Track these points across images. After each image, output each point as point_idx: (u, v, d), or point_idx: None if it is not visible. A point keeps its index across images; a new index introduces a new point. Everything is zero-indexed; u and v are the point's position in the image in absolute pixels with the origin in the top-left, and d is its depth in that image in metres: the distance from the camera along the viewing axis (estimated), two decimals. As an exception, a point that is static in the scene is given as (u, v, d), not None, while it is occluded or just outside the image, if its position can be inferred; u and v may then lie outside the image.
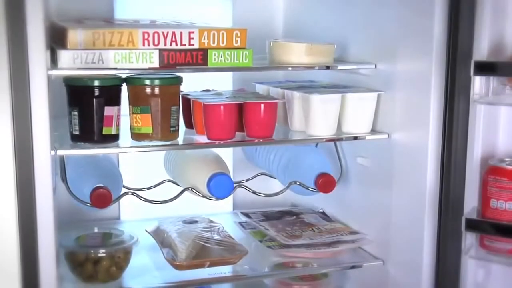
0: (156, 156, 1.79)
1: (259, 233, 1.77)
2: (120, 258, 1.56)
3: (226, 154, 1.83)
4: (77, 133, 1.45)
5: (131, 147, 1.49)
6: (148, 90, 1.47)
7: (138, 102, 1.47)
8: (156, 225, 1.72)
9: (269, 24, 2.00)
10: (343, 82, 1.75)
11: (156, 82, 1.47)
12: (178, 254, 1.54)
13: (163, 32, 1.43)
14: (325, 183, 1.64)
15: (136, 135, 1.49)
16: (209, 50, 1.46)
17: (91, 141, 1.45)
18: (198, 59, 1.46)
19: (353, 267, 1.70)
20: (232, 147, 1.90)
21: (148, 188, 1.74)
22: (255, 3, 2.00)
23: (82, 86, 1.44)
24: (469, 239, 1.49)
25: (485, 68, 1.41)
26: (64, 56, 1.37)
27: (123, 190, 1.61)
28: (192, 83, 1.64)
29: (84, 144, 1.45)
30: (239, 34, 1.48)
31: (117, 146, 1.49)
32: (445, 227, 1.46)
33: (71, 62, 1.37)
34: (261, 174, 1.88)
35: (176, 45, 1.44)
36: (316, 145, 1.83)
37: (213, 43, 1.46)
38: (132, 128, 1.50)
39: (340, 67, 1.65)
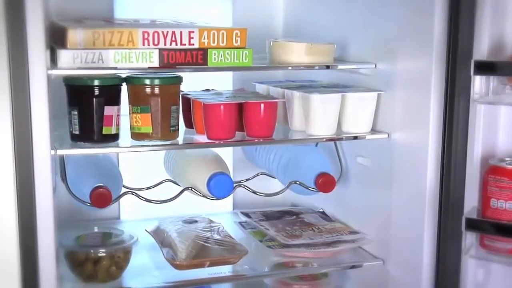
0: (156, 155, 1.78)
1: (259, 233, 1.77)
2: (120, 257, 1.56)
3: (226, 153, 1.83)
4: (77, 132, 1.45)
5: (131, 146, 1.49)
6: (148, 90, 1.47)
7: (138, 101, 1.47)
8: (156, 225, 1.72)
9: (269, 23, 2.00)
10: (343, 81, 1.75)
11: (156, 81, 1.47)
12: (178, 254, 1.54)
13: (163, 32, 1.43)
14: (325, 182, 1.64)
15: (136, 135, 1.49)
16: (209, 50, 1.46)
17: (91, 140, 1.45)
18: (198, 59, 1.46)
19: (353, 266, 1.70)
20: (232, 146, 1.90)
21: (148, 188, 1.74)
22: (255, 3, 2.00)
23: (82, 85, 1.44)
24: (469, 239, 1.49)
25: (485, 68, 1.41)
26: (64, 56, 1.37)
27: (123, 190, 1.61)
28: (192, 82, 1.64)
29: (84, 144, 1.45)
30: (239, 34, 1.48)
31: (117, 146, 1.49)
32: (445, 227, 1.46)
33: (71, 62, 1.37)
34: (261, 174, 1.88)
35: (176, 44, 1.44)
36: (316, 145, 1.83)
37: (213, 42, 1.46)
38: (132, 128, 1.50)
39: (340, 67, 1.65)
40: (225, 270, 1.59)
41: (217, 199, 1.54)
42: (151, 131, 1.48)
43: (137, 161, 1.84)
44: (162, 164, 1.79)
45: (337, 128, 1.62)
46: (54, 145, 1.37)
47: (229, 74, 1.94)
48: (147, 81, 1.47)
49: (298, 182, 1.67)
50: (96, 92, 1.44)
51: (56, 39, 1.45)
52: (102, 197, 1.45)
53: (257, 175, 1.89)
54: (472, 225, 1.46)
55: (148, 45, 1.42)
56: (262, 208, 1.94)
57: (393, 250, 1.62)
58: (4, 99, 1.23)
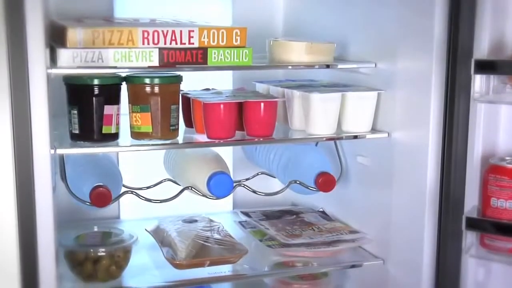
0: (156, 155, 1.78)
1: (259, 232, 1.77)
2: (119, 257, 1.56)
3: (226, 153, 1.83)
4: (77, 132, 1.45)
5: (130, 146, 1.49)
6: (147, 89, 1.47)
7: (138, 101, 1.47)
8: (156, 224, 1.72)
9: (269, 22, 2.00)
10: (343, 81, 1.75)
11: (156, 81, 1.46)
12: (178, 253, 1.54)
13: (162, 31, 1.42)
14: (325, 182, 1.64)
15: (136, 134, 1.49)
16: (209, 49, 1.46)
17: (90, 140, 1.45)
18: (198, 58, 1.46)
19: (353, 266, 1.70)
20: (232, 146, 1.89)
21: (148, 187, 1.74)
22: (255, 2, 2.00)
23: (81, 85, 1.44)
24: (469, 238, 1.49)
25: (485, 67, 1.41)
26: (64, 55, 1.37)
27: (123, 189, 1.61)
28: (192, 82, 1.63)
29: (83, 143, 1.45)
30: (239, 33, 1.48)
31: (117, 145, 1.49)
32: (445, 226, 1.46)
33: (70, 61, 1.37)
34: (261, 173, 1.88)
35: (176, 44, 1.44)
36: (316, 144, 1.83)
37: (213, 42, 1.46)
38: (131, 127, 1.50)
39: (340, 66, 1.65)
40: (225, 269, 1.59)
41: (217, 198, 1.54)
42: (151, 130, 1.48)
43: (137, 161, 1.84)
44: (162, 163, 1.79)
45: (337, 128, 1.62)
46: (53, 144, 1.36)
47: (229, 73, 1.94)
48: (147, 80, 1.46)
49: (298, 182, 1.67)
50: (96, 91, 1.44)
51: (56, 38, 1.44)
52: (102, 197, 1.45)
53: (257, 174, 1.88)
54: (473, 224, 1.46)
55: (148, 44, 1.42)
56: (262, 208, 1.94)
57: (393, 249, 1.61)
58: (3, 99, 1.23)
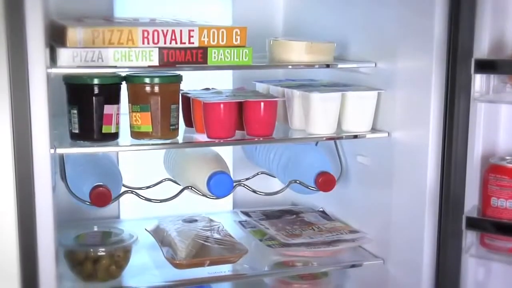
0: (156, 154, 1.78)
1: (259, 232, 1.77)
2: (119, 257, 1.56)
3: (226, 152, 1.83)
4: (77, 131, 1.45)
5: (130, 145, 1.49)
6: (147, 89, 1.47)
7: (138, 100, 1.47)
8: (156, 224, 1.72)
9: (269, 22, 2.00)
10: (343, 80, 1.75)
11: (156, 80, 1.46)
12: (178, 253, 1.54)
13: (162, 30, 1.42)
14: (325, 181, 1.63)
15: (136, 134, 1.49)
16: (209, 49, 1.46)
17: (90, 139, 1.45)
18: (198, 58, 1.45)
19: (353, 266, 1.69)
20: (232, 145, 1.89)
21: (148, 187, 1.74)
22: (255, 2, 2.00)
23: (81, 84, 1.44)
24: (469, 238, 1.49)
25: (485, 66, 1.41)
26: (64, 54, 1.37)
27: (123, 189, 1.61)
28: (192, 81, 1.63)
29: (83, 143, 1.45)
30: (239, 33, 1.48)
31: (117, 145, 1.49)
32: (445, 226, 1.46)
33: (70, 61, 1.37)
34: (261, 173, 1.88)
35: (176, 43, 1.44)
36: (316, 144, 1.83)
37: (213, 41, 1.46)
38: (131, 127, 1.50)
39: (340, 66, 1.65)
40: (225, 269, 1.59)
41: (217, 198, 1.54)
42: (150, 130, 1.48)
43: (137, 160, 1.84)
44: (162, 163, 1.79)
45: (337, 127, 1.61)
46: (53, 144, 1.36)
47: (229, 73, 1.94)
48: (147, 80, 1.46)
49: (298, 181, 1.67)
50: (96, 90, 1.44)
51: (56, 37, 1.44)
52: (102, 196, 1.45)
53: (257, 174, 1.88)
54: (473, 224, 1.46)
55: (148, 43, 1.42)
56: (262, 207, 1.94)
57: (393, 249, 1.61)
58: (3, 98, 1.23)
